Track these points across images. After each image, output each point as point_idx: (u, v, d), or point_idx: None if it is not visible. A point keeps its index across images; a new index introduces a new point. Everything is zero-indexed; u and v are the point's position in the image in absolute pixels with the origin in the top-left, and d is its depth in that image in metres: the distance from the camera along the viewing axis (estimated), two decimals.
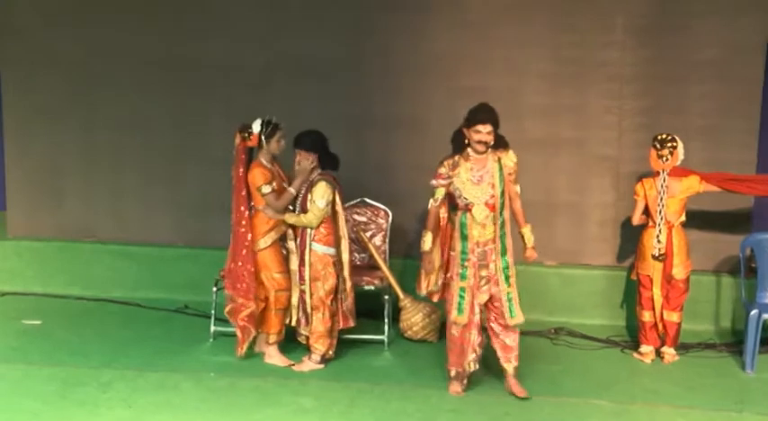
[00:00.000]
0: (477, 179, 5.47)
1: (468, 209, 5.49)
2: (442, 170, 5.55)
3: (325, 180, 5.97)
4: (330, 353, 6.18)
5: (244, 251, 6.04)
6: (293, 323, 6.20)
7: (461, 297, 5.54)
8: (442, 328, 6.68)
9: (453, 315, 5.59)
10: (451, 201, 5.62)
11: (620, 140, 7.26)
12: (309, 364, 6.09)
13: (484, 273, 5.53)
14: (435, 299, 5.88)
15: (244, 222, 6.05)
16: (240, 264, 6.04)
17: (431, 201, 5.62)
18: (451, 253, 5.60)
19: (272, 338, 6.17)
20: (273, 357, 6.19)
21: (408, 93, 7.51)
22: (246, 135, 6.04)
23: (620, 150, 7.25)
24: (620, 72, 7.19)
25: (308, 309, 6.06)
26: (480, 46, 7.37)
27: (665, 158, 6.25)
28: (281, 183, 6.12)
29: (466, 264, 5.52)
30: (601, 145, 7.30)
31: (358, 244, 6.94)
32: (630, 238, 7.03)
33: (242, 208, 6.04)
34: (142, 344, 6.57)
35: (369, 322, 6.73)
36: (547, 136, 7.33)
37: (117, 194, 8.01)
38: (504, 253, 5.54)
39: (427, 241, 5.60)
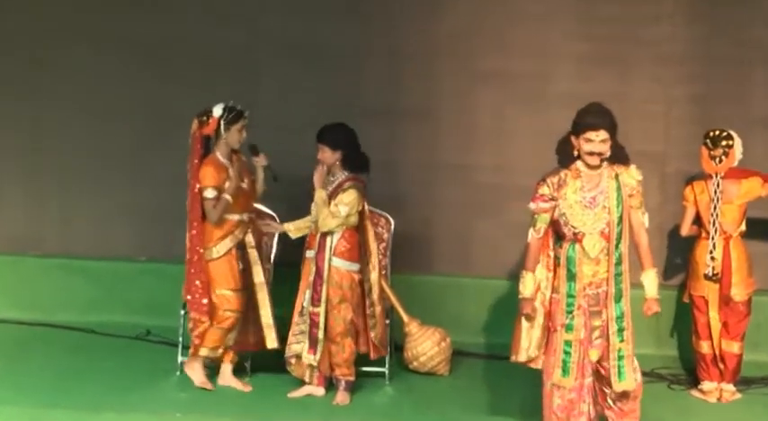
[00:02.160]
0: (589, 201, 5.09)
1: (576, 239, 5.10)
2: (544, 190, 5.12)
3: (357, 187, 6.04)
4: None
5: (195, 257, 6.14)
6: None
7: (567, 353, 5.10)
8: (453, 359, 6.79)
9: (556, 376, 5.12)
10: (555, 230, 5.22)
11: (666, 134, 7.25)
12: (347, 394, 6.17)
13: (597, 322, 5.12)
14: (538, 365, 5.29)
15: (196, 224, 6.15)
16: (192, 271, 6.15)
17: (530, 231, 5.19)
18: (554, 295, 5.20)
19: (204, 351, 6.20)
20: (194, 372, 6.25)
21: (415, 78, 7.51)
22: (204, 119, 6.11)
23: (666, 145, 7.26)
24: (668, 52, 7.16)
25: (320, 335, 6.05)
26: (499, 22, 7.37)
27: (718, 160, 6.19)
28: (240, 182, 6.17)
29: (574, 310, 5.14)
30: (644, 139, 7.18)
31: None
32: (680, 251, 6.99)
33: (196, 206, 6.14)
34: (95, 377, 6.50)
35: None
36: None
37: (65, 198, 7.97)
38: (618, 298, 5.14)
39: (528, 285, 5.16)
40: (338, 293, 6.05)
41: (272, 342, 6.25)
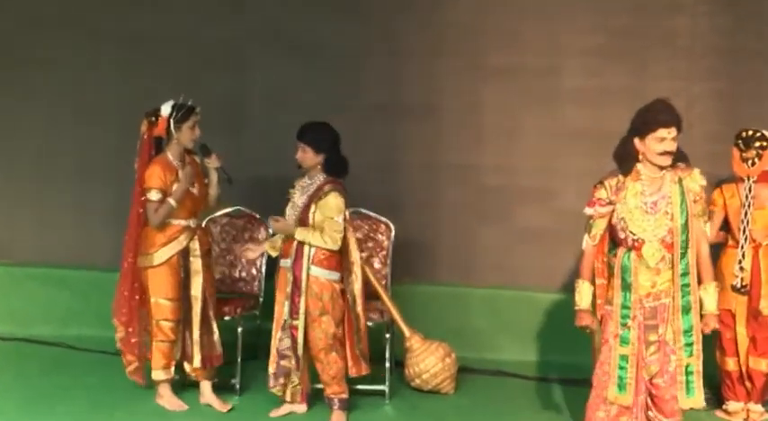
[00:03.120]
0: (651, 207, 5.05)
1: (634, 247, 5.06)
2: (602, 193, 5.12)
3: (338, 190, 5.97)
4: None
5: (125, 264, 6.25)
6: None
7: (622, 368, 5.10)
8: (458, 376, 6.75)
9: (611, 392, 5.13)
10: (611, 236, 5.21)
11: (688, 133, 7.04)
12: (342, 414, 6.12)
13: (653, 336, 5.08)
14: None
15: (132, 228, 6.21)
16: (122, 279, 6.29)
17: (585, 237, 5.20)
18: (607, 307, 5.18)
19: (158, 374, 6.21)
20: (163, 398, 6.28)
21: (417, 74, 7.54)
22: (153, 119, 6.12)
23: (688, 145, 7.04)
24: (688, 45, 7.17)
25: (300, 351, 5.98)
26: (505, 15, 7.38)
27: (750, 162, 6.13)
28: (190, 186, 6.17)
29: (629, 323, 5.08)
30: None
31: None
32: None
33: (140, 210, 6.18)
34: (74, 395, 6.49)
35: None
36: (592, 127, 7.28)
37: (42, 203, 7.99)
38: (686, 310, 5.06)
39: (584, 295, 5.17)
40: (318, 305, 5.94)
41: (196, 361, 6.24)
